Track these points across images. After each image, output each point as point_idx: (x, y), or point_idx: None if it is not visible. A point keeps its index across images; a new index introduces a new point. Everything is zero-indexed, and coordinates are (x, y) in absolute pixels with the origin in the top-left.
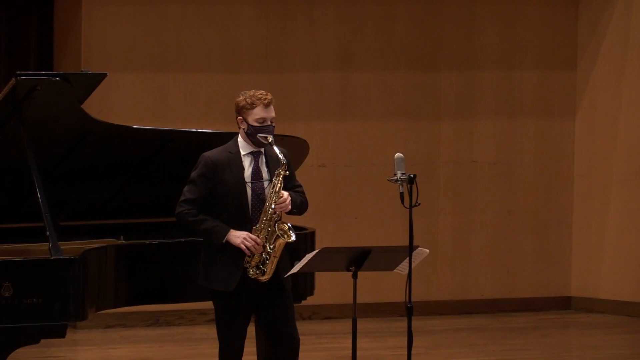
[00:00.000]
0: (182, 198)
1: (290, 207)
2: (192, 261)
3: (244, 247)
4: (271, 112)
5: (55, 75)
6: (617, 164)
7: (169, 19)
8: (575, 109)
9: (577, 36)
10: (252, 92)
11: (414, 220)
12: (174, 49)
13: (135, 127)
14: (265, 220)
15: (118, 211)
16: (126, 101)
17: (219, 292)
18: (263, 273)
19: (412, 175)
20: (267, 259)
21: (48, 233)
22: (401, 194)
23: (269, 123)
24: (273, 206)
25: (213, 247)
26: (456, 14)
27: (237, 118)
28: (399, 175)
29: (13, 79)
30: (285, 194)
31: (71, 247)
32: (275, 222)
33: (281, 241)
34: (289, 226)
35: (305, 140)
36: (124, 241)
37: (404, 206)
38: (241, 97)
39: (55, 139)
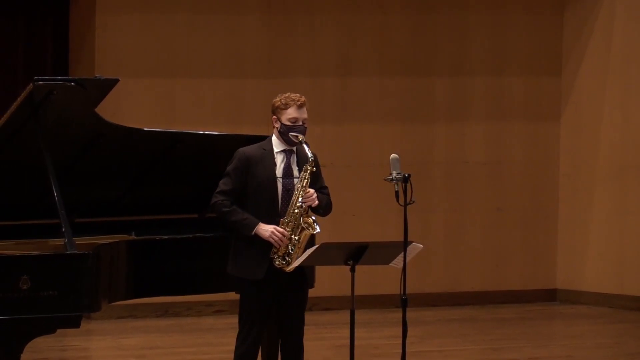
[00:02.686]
0: (217, 189)
1: (317, 201)
2: (200, 256)
3: (273, 241)
4: (304, 114)
5: (70, 81)
6: (600, 164)
7: (177, 28)
8: (560, 112)
9: (562, 44)
10: (287, 94)
11: (408, 217)
12: (182, 56)
13: (145, 129)
14: (292, 213)
15: (129, 208)
16: (137, 105)
17: (246, 281)
18: (288, 264)
19: (406, 175)
20: (292, 250)
21: (63, 229)
22: (396, 192)
23: (301, 123)
24: (300, 199)
25: (242, 239)
26: (449, 22)
27: (272, 118)
28: (394, 174)
29: (31, 84)
30: (312, 190)
31: (85, 243)
32: (301, 215)
33: (306, 233)
34: (313, 219)
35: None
36: (135, 237)
37: (399, 204)
38: (277, 98)
39: (70, 140)
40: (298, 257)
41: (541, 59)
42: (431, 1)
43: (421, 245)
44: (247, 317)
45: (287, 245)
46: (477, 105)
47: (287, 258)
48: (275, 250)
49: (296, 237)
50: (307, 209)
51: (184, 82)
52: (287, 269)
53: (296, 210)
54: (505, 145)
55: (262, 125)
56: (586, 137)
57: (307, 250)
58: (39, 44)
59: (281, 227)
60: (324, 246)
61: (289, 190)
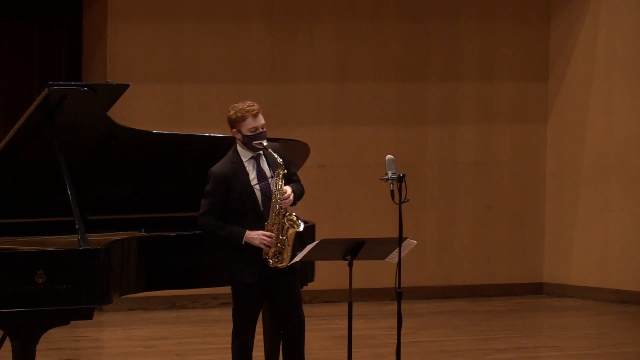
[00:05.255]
0: (200, 211)
1: (292, 200)
2: (206, 251)
3: (264, 246)
4: (261, 120)
5: (83, 86)
6: (585, 165)
7: (184, 35)
8: (547, 116)
9: (549, 50)
10: (240, 106)
11: (403, 215)
12: (189, 62)
13: (154, 131)
14: (274, 215)
15: (139, 207)
16: (146, 108)
17: (240, 283)
18: (282, 261)
19: (401, 175)
20: (282, 249)
21: (77, 226)
22: (392, 191)
23: (261, 130)
24: (278, 202)
25: (235, 248)
26: (441, 31)
27: (232, 130)
28: (389, 174)
29: (46, 88)
30: (289, 189)
31: (97, 239)
32: (283, 215)
33: (292, 231)
34: (296, 217)
35: (306, 144)
36: (144, 233)
37: (394, 202)
38: (232, 112)
39: (83, 142)
40: (289, 254)
41: (529, 65)
42: (424, 10)
43: (415, 242)
44: (240, 315)
45: (277, 245)
46: (468, 108)
47: (279, 256)
48: (266, 252)
49: (283, 237)
50: (286, 209)
51: (191, 87)
52: (282, 266)
53: (277, 212)
54: (495, 146)
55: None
56: (571, 139)
57: (307, 246)
58: (53, 51)
59: (267, 230)
60: (323, 242)
61: (266, 193)
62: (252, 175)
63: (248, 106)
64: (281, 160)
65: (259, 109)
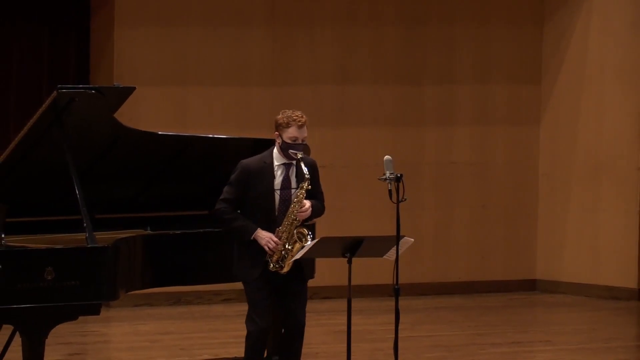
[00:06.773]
0: (221, 197)
1: (309, 214)
2: (209, 249)
3: (267, 249)
4: (304, 133)
5: (91, 89)
6: (576, 165)
7: (189, 40)
8: (540, 117)
9: (542, 54)
10: (290, 113)
11: (400, 214)
12: (193, 65)
13: (159, 133)
14: (287, 224)
15: (145, 205)
16: (152, 110)
17: (245, 281)
18: (282, 268)
19: (399, 175)
20: (285, 257)
21: (85, 224)
22: (390, 191)
23: (300, 141)
24: (295, 213)
25: (242, 243)
26: (437, 35)
27: (274, 133)
28: (387, 174)
29: (55, 91)
30: (308, 203)
31: (105, 237)
32: (296, 227)
33: (298, 245)
34: (308, 232)
35: (307, 144)
36: (150, 232)
37: (392, 201)
38: (280, 116)
39: (90, 143)
40: (291, 263)
41: (522, 69)
42: (421, 15)
43: (412, 239)
44: (252, 306)
45: (281, 252)
46: (464, 110)
47: (280, 263)
48: (270, 255)
49: (289, 247)
50: (300, 221)
51: (195, 89)
52: (282, 272)
53: (291, 222)
54: (490, 147)
55: (266, 129)
56: (563, 140)
57: (309, 243)
58: (62, 54)
59: (276, 236)
60: (324, 240)
61: (285, 201)
62: (277, 180)
63: (296, 116)
64: (308, 175)
65: (306, 122)
